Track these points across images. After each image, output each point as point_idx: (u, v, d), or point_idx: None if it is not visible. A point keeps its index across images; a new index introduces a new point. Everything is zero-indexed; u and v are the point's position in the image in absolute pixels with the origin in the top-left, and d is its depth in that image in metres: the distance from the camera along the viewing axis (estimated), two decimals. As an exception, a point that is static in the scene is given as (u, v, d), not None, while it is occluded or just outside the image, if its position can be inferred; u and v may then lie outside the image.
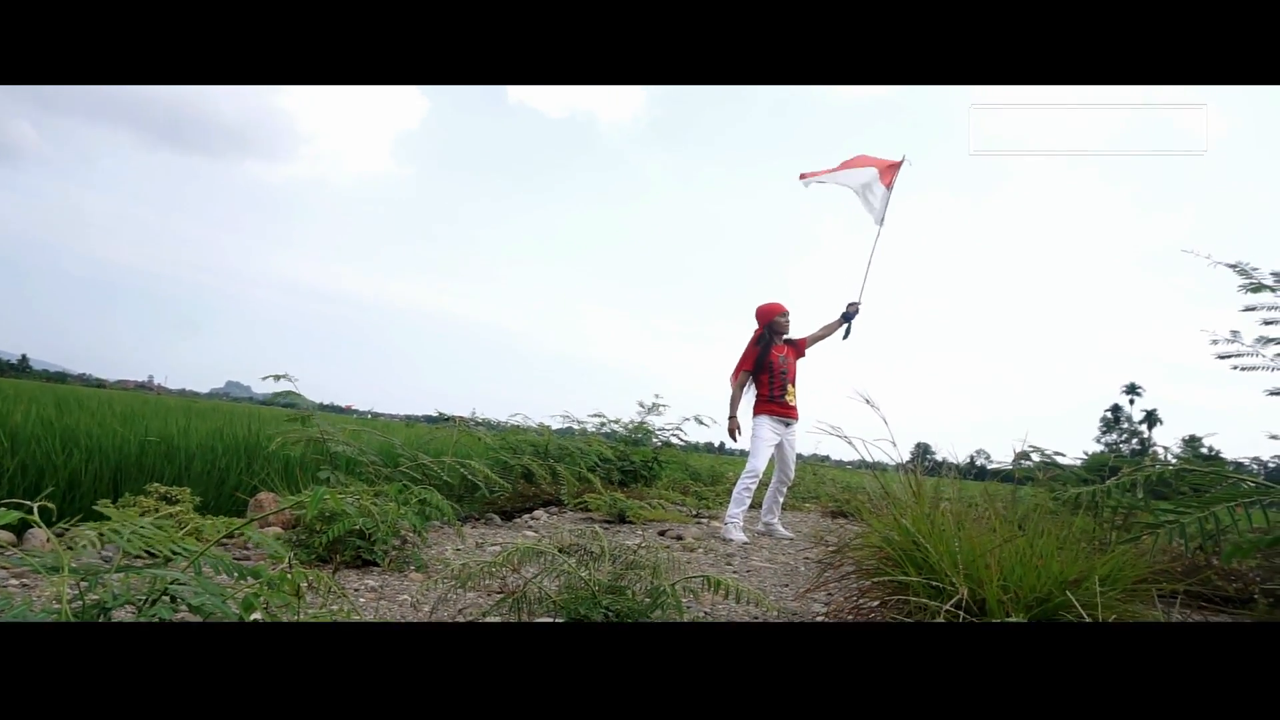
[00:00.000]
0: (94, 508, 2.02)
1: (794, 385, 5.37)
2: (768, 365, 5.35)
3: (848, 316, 5.52)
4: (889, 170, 5.62)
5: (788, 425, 5.34)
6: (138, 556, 1.92)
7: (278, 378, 4.18)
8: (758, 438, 5.28)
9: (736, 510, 5.12)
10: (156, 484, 3.89)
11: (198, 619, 1.49)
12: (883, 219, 5.54)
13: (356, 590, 2.78)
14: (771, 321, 5.44)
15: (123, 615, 1.71)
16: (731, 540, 4.90)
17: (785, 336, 5.46)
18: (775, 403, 5.30)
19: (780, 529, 5.48)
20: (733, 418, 5.51)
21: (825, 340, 5.61)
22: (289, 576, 1.66)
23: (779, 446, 5.34)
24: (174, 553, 1.57)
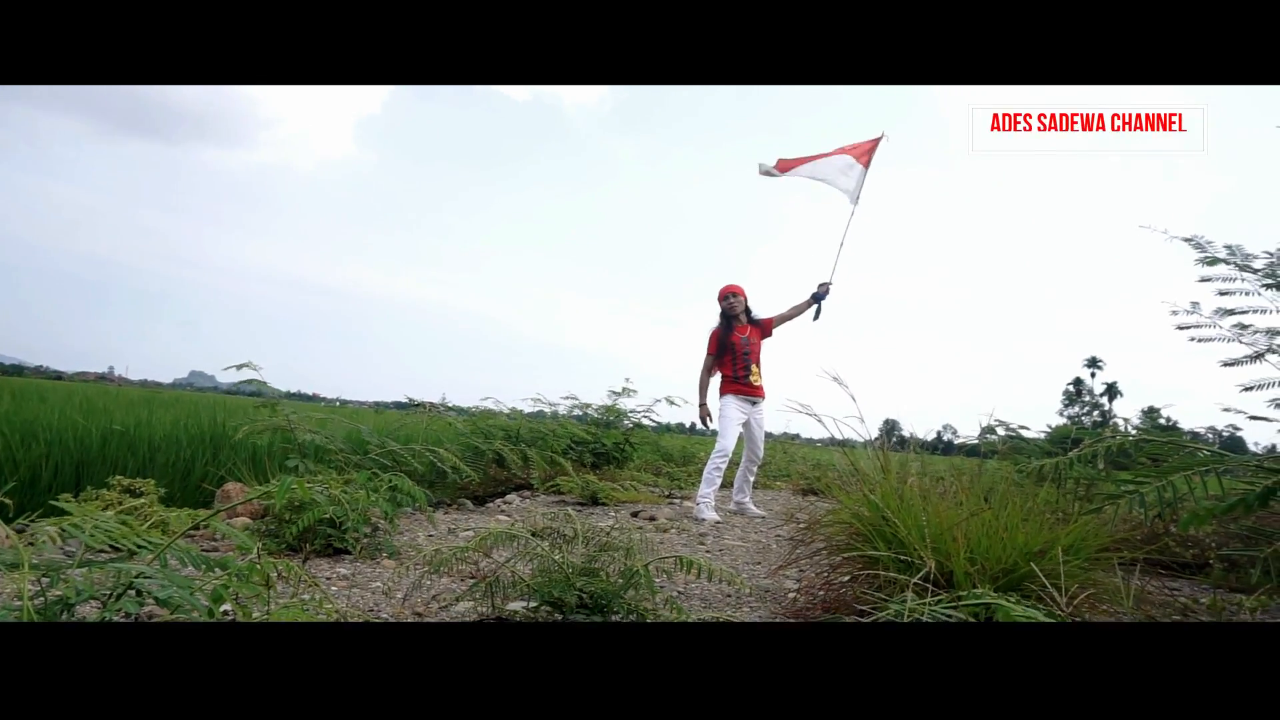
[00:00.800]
0: (53, 502, 1.98)
1: (758, 365, 5.40)
2: (730, 346, 5.38)
3: (818, 297, 5.51)
4: (867, 149, 5.57)
5: (754, 404, 5.38)
6: (101, 551, 1.88)
7: (240, 366, 4.11)
8: (724, 418, 5.33)
9: (708, 490, 5.15)
10: (120, 476, 3.82)
11: (164, 612, 1.47)
12: (857, 198, 5.47)
13: (328, 579, 2.76)
14: (721, 303, 5.47)
15: (87, 610, 1.69)
16: (704, 520, 4.93)
17: (751, 316, 5.48)
18: (739, 383, 5.35)
19: (751, 507, 5.53)
20: (702, 404, 5.55)
21: (797, 320, 5.60)
22: (258, 566, 1.64)
23: (747, 425, 5.39)
24: (139, 546, 1.54)
